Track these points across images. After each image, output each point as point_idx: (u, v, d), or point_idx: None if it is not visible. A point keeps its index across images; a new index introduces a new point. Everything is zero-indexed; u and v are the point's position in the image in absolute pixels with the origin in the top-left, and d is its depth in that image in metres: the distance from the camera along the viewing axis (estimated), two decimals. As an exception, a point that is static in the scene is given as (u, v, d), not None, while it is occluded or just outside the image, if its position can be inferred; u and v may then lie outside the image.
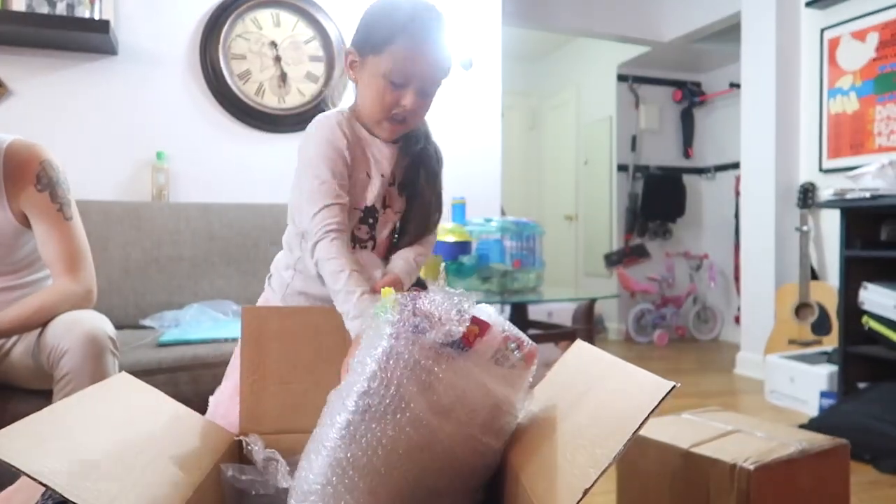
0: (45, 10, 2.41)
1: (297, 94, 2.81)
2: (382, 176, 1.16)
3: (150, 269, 2.37)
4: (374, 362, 0.73)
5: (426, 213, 1.21)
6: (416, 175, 1.20)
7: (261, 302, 1.22)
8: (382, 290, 0.88)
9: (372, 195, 1.15)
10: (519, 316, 3.01)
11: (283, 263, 1.20)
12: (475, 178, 3.15)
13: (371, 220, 1.15)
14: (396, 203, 1.20)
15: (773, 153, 3.61)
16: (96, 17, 2.44)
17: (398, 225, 1.21)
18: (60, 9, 2.42)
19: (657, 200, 5.29)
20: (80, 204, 2.36)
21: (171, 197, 2.62)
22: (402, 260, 1.18)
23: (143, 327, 2.19)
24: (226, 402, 1.16)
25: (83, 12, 2.43)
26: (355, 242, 1.15)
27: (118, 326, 2.24)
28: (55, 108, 2.52)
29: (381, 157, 1.16)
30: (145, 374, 1.81)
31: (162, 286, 2.37)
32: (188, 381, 1.79)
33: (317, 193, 1.07)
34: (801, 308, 3.39)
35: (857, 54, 3.34)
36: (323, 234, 1.05)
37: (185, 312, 2.19)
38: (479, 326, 0.80)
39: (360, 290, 1.00)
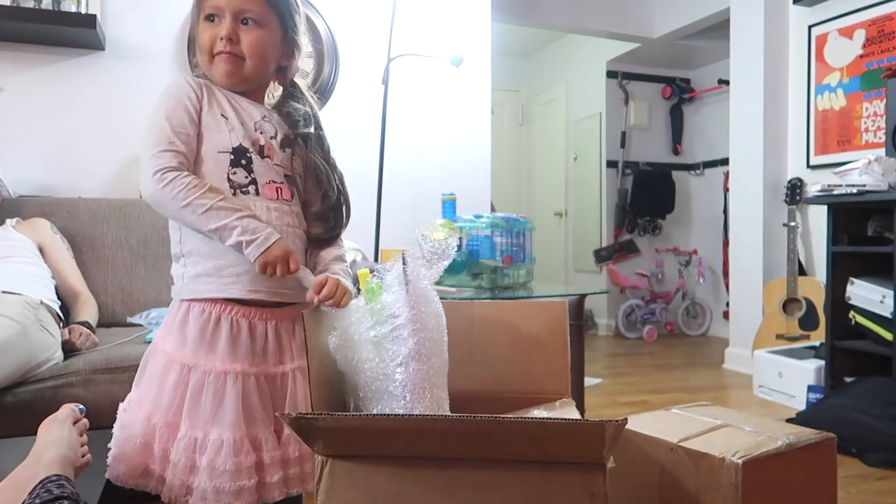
0: (30, 4, 2.37)
1: (285, 90, 2.79)
2: (244, 124, 1.16)
3: (138, 266, 2.35)
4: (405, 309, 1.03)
5: (320, 179, 1.22)
6: (297, 132, 1.21)
7: (172, 305, 1.18)
8: (359, 273, 1.08)
9: (236, 136, 1.14)
10: (509, 312, 2.99)
11: (175, 262, 1.18)
12: (465, 175, 3.14)
13: (244, 162, 1.13)
14: (277, 155, 1.19)
15: (762, 149, 3.63)
16: (83, 11, 2.41)
17: (304, 197, 1.22)
18: (46, 3, 2.39)
19: (646, 197, 5.31)
20: (67, 202, 2.35)
21: (159, 193, 2.60)
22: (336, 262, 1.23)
23: (131, 325, 2.18)
24: (133, 410, 1.13)
25: (69, 7, 2.40)
26: (235, 188, 1.13)
27: (106, 324, 2.25)
28: (41, 105, 2.50)
29: (240, 106, 1.17)
30: (133, 369, 1.80)
31: (150, 283, 2.35)
32: (177, 378, 1.77)
33: (152, 140, 1.12)
34: (789, 303, 3.42)
35: (845, 51, 3.36)
36: (157, 168, 1.07)
37: (174, 309, 2.17)
38: None
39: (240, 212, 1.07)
